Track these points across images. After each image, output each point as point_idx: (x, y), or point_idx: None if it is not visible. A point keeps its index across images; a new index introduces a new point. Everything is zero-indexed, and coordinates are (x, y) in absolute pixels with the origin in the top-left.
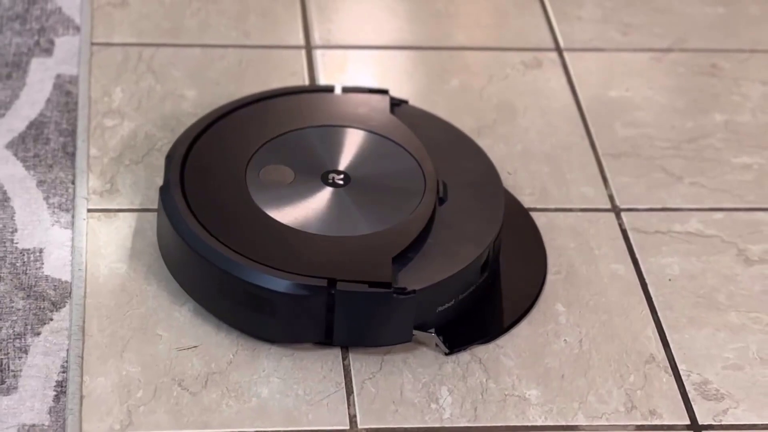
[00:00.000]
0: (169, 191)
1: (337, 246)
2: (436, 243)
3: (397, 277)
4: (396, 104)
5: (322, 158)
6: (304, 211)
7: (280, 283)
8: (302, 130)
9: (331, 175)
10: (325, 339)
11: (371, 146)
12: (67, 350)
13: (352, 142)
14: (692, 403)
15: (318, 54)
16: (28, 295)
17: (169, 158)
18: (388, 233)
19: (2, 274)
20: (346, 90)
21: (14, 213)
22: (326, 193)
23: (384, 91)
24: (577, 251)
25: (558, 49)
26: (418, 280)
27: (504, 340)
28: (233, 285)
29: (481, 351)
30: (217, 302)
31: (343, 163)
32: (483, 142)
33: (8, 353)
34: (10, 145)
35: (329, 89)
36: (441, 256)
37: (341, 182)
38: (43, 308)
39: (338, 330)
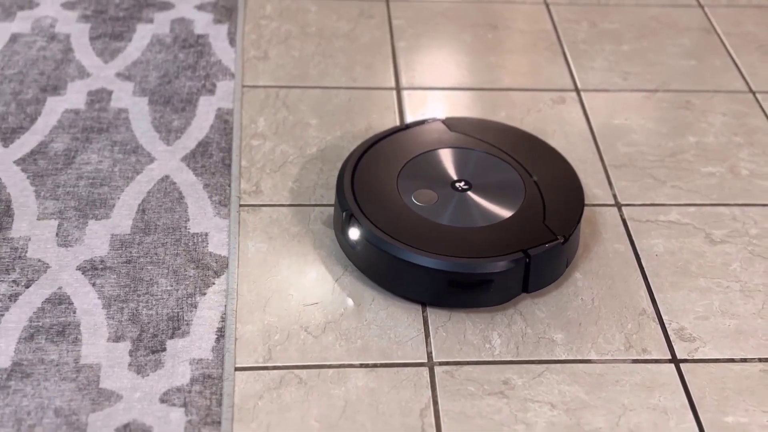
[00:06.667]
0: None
1: (491, 231)
2: (553, 214)
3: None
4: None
5: (449, 171)
6: (446, 213)
7: (498, 266)
8: (433, 151)
9: (457, 184)
10: (522, 291)
11: (482, 161)
12: (225, 306)
13: (469, 159)
14: (673, 343)
15: (405, 93)
16: (197, 266)
17: (341, 177)
18: (517, 216)
19: (179, 251)
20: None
21: (187, 208)
22: (457, 196)
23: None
24: (590, 235)
25: (577, 90)
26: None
27: (538, 299)
28: (455, 277)
29: (522, 306)
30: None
31: (465, 174)
32: None
33: (183, 308)
34: (184, 159)
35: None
36: (560, 218)
37: (466, 188)
38: (208, 275)
39: (531, 282)
